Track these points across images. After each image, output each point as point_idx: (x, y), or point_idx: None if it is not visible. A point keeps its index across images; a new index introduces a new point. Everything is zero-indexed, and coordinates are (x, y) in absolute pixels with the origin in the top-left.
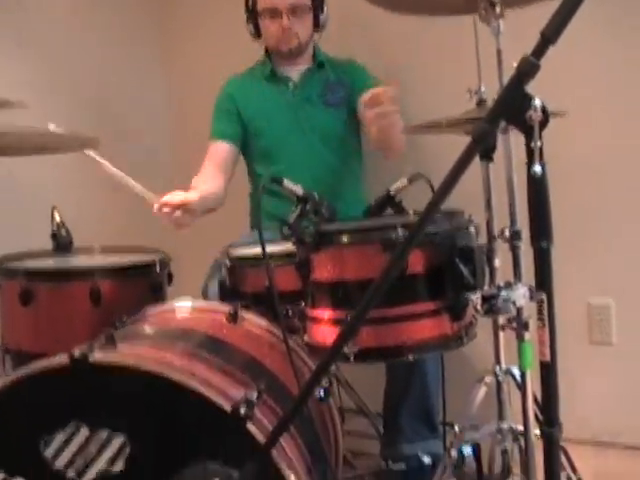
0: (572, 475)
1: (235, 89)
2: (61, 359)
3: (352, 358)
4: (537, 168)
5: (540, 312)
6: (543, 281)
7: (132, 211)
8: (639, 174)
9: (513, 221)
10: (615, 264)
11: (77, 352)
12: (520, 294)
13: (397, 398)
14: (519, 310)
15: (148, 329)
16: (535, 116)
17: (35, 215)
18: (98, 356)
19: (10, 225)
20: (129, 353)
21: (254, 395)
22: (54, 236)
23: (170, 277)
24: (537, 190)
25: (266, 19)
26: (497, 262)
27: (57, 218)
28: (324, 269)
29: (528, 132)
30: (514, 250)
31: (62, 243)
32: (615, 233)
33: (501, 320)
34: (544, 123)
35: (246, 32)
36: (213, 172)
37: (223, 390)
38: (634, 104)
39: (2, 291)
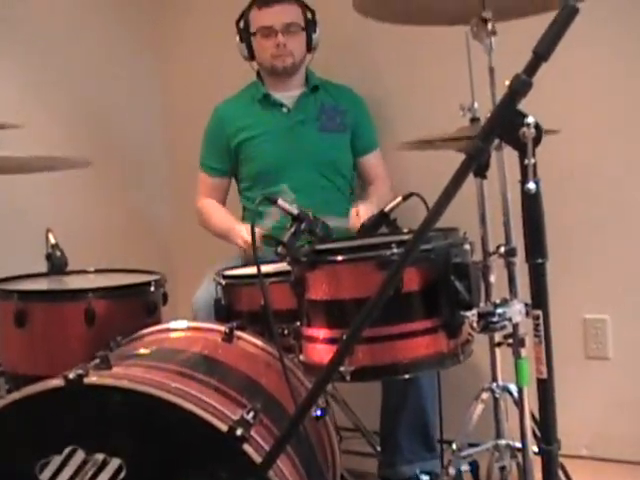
0: None
1: (226, 113)
2: (56, 382)
3: (348, 377)
4: (531, 185)
5: (536, 329)
6: (539, 298)
7: (127, 232)
8: (634, 190)
9: (508, 238)
10: (610, 279)
11: (72, 374)
12: (516, 311)
13: (393, 414)
14: (515, 327)
15: (143, 350)
16: (528, 133)
17: (29, 237)
18: (93, 378)
19: (4, 246)
20: (124, 375)
21: (250, 415)
22: (49, 257)
23: (165, 297)
24: (531, 207)
25: (261, 38)
26: (492, 278)
27: (52, 240)
28: (319, 288)
29: (522, 149)
30: (509, 267)
31: (57, 265)
32: (610, 248)
33: (497, 337)
34: (538, 140)
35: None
36: (219, 205)
37: (219, 411)
38: (629, 119)
39: None
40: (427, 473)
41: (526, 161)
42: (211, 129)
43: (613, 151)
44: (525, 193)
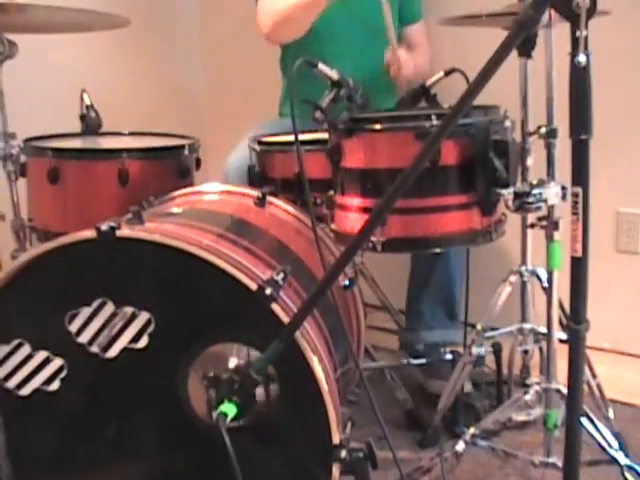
0: (592, 380)
1: None
2: (88, 233)
3: (380, 247)
4: (582, 58)
5: (575, 206)
6: (580, 175)
7: (162, 96)
8: None
9: (550, 119)
10: None
11: (104, 226)
12: (552, 192)
13: (419, 285)
14: (550, 208)
15: (175, 209)
16: (583, 3)
17: (64, 97)
18: (125, 231)
19: (38, 106)
20: (155, 229)
21: (280, 276)
22: (83, 118)
23: (198, 162)
24: (580, 81)
25: None
26: (530, 160)
27: (87, 100)
28: (355, 156)
29: (574, 20)
30: (549, 148)
31: (91, 125)
32: None
33: (531, 219)
34: (592, 11)
35: None
36: None
37: (249, 269)
38: None
39: (30, 169)
40: (447, 343)
41: (578, 33)
42: None
43: None
44: (575, 66)
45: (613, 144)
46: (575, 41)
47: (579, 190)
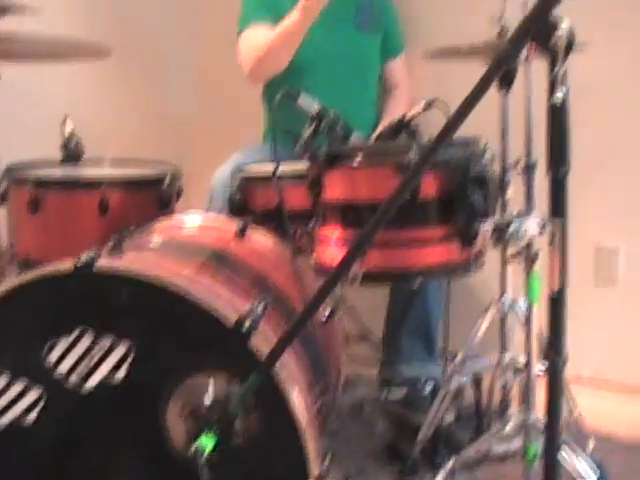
0: (572, 410)
1: None
2: (67, 264)
3: (359, 280)
4: (559, 95)
5: (553, 240)
6: (558, 209)
7: (146, 121)
8: None
9: (529, 152)
10: (626, 207)
11: (83, 258)
12: (532, 225)
13: (398, 319)
14: (530, 241)
15: (155, 239)
16: (561, 40)
17: (48, 123)
18: (103, 262)
19: (20, 133)
20: (135, 260)
21: (260, 308)
22: (64, 146)
23: (179, 192)
24: (558, 117)
25: None
26: (510, 192)
27: (69, 128)
28: (335, 189)
29: (552, 57)
30: (528, 181)
31: (72, 153)
32: (627, 176)
33: (510, 251)
34: (570, 48)
35: None
36: None
37: (229, 302)
38: None
39: (11, 199)
40: (428, 379)
41: (556, 69)
42: None
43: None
44: (553, 103)
45: (592, 178)
46: (553, 78)
47: (557, 224)
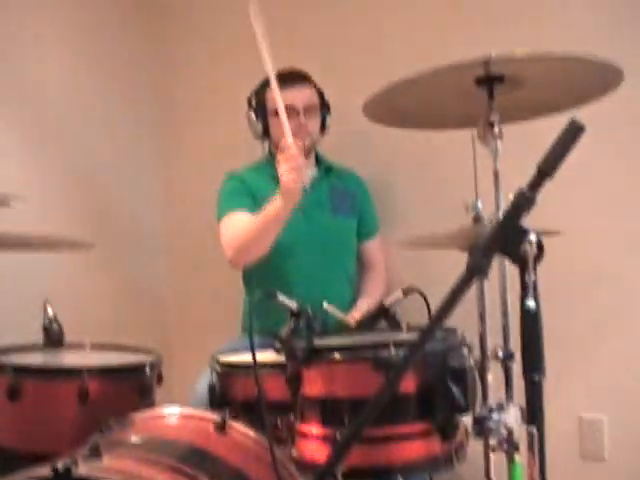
0: None
1: (245, 178)
2: (43, 471)
3: (340, 477)
4: (531, 303)
5: (531, 446)
6: (534, 414)
7: (126, 305)
8: (634, 291)
9: (506, 342)
10: (608, 379)
11: (60, 465)
12: (512, 416)
13: None
14: (510, 432)
15: (134, 438)
16: (530, 250)
17: (27, 307)
18: (82, 469)
19: (1, 317)
20: (114, 468)
21: None
22: (46, 330)
23: (160, 378)
24: (530, 324)
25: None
26: (490, 379)
27: (49, 312)
28: (314, 385)
29: (522, 265)
30: (506, 371)
31: (53, 338)
32: (609, 348)
33: (492, 441)
34: (539, 257)
35: (245, 127)
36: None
37: None
38: (630, 218)
39: None
40: None
41: (527, 278)
42: (234, 182)
43: (613, 252)
44: (525, 310)
45: (574, 349)
46: (524, 286)
47: (534, 430)
